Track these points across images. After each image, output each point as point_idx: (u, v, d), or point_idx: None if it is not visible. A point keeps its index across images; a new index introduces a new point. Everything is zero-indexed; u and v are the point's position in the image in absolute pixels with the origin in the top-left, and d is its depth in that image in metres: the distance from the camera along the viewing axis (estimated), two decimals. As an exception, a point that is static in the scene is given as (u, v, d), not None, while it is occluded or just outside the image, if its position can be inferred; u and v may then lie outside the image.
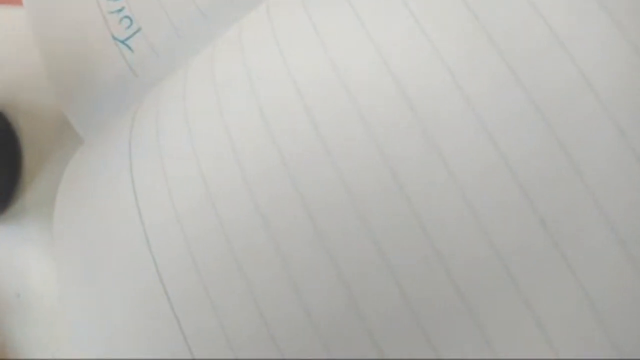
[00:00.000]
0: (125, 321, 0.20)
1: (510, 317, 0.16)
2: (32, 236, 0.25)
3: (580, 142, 0.16)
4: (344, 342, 0.17)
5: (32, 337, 0.26)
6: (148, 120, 0.21)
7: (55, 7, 0.28)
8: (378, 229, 0.17)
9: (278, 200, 0.18)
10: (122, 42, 0.26)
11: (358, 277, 0.17)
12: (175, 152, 0.20)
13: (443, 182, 0.17)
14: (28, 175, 0.26)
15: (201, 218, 0.19)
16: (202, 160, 0.20)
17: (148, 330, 0.19)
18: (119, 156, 0.21)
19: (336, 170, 0.18)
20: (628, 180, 0.15)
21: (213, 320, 0.18)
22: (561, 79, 0.16)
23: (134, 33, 0.26)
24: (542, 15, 0.17)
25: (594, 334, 0.15)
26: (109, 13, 0.27)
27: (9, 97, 0.28)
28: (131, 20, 0.26)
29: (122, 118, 0.23)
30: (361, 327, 0.17)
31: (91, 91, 0.26)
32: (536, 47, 0.17)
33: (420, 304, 0.16)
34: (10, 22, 0.29)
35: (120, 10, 0.27)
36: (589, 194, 0.16)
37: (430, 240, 0.16)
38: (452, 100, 0.17)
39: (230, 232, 0.18)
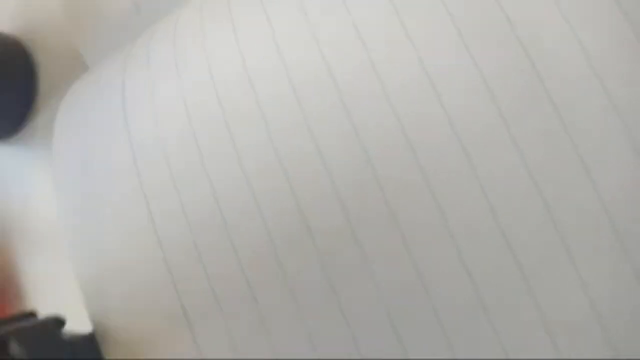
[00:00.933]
0: (113, 230, 0.21)
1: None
2: (39, 158, 0.28)
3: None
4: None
5: (35, 255, 0.28)
6: (141, 50, 0.23)
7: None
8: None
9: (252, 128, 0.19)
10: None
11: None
12: (163, 80, 0.22)
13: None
14: (41, 102, 0.29)
15: (184, 145, 0.21)
16: (185, 88, 0.21)
17: (132, 239, 0.21)
18: (113, 83, 0.23)
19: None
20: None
21: (188, 236, 0.20)
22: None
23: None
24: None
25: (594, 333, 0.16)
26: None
27: (31, 32, 0.30)
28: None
29: (121, 50, 0.25)
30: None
31: (100, 26, 0.28)
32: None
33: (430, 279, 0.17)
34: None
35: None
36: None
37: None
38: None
39: (207, 157, 0.20)
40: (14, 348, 0.19)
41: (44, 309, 0.24)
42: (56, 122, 0.24)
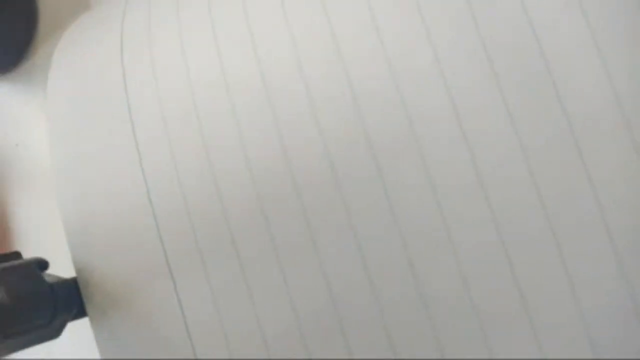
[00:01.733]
0: (102, 174, 0.21)
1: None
2: (36, 94, 0.27)
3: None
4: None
5: (26, 199, 0.28)
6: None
7: None
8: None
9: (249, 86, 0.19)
10: None
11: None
12: (162, 26, 0.21)
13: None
14: (41, 40, 0.28)
15: (180, 98, 0.20)
16: (186, 45, 0.20)
17: (120, 184, 0.20)
18: (113, 24, 0.22)
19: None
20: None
21: (177, 185, 0.19)
22: None
23: None
24: None
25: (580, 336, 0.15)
26: None
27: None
28: None
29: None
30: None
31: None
32: None
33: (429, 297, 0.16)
34: None
35: None
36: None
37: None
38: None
39: (202, 115, 0.19)
40: (-6, 286, 0.19)
41: (31, 254, 0.24)
42: (53, 59, 0.23)
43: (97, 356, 0.21)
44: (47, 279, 0.20)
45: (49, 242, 0.25)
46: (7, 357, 0.22)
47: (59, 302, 0.20)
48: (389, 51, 0.17)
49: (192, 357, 0.18)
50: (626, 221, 0.15)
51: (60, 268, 0.22)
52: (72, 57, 0.23)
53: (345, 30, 0.17)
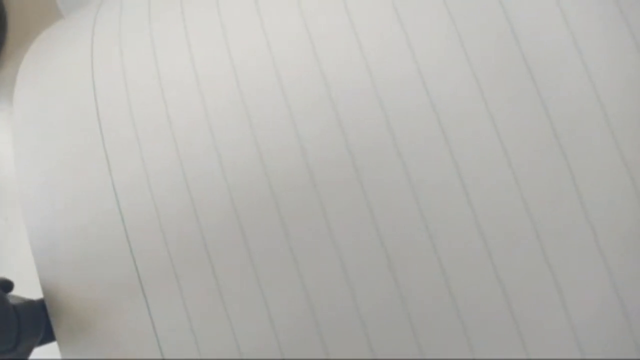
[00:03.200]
0: (70, 187, 0.20)
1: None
2: (3, 111, 0.26)
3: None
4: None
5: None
6: (115, 1, 0.21)
7: None
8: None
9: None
10: None
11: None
12: (133, 34, 0.20)
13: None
14: (9, 49, 0.27)
15: (150, 103, 0.19)
16: (158, 53, 0.19)
17: (89, 198, 0.19)
18: (83, 32, 0.21)
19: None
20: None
21: (148, 197, 0.18)
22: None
23: None
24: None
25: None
26: None
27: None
28: None
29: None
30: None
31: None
32: None
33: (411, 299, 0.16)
34: None
35: None
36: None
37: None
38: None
39: (175, 126, 0.18)
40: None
41: (-2, 273, 0.23)
42: (21, 68, 0.22)
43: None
44: (11, 300, 0.19)
45: (14, 262, 0.24)
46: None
47: (24, 325, 0.19)
48: (366, 52, 0.16)
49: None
50: (611, 222, 0.15)
51: (27, 289, 0.21)
52: (40, 68, 0.22)
53: (321, 31, 0.17)
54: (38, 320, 0.19)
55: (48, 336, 0.20)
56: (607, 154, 0.15)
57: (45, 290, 0.19)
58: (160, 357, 0.17)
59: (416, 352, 0.16)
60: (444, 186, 0.16)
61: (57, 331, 0.19)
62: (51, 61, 0.21)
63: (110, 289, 0.18)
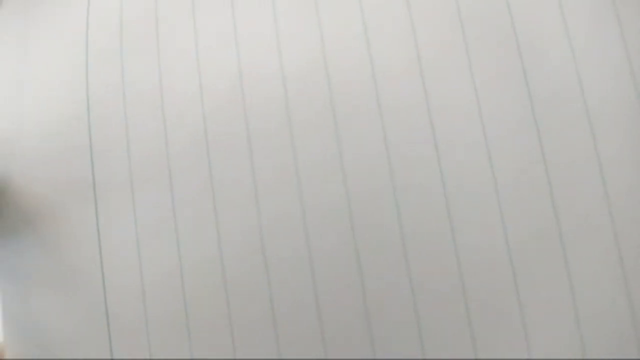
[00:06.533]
0: (41, 76, 0.19)
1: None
2: None
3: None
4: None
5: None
6: None
7: None
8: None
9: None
10: None
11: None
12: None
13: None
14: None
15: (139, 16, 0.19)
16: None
17: (59, 88, 0.19)
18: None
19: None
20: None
21: (119, 79, 0.18)
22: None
23: None
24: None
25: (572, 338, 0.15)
26: None
27: None
28: None
29: None
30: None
31: None
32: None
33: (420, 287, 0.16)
34: None
35: None
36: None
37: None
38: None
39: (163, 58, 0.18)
40: None
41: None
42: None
43: None
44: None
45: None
46: None
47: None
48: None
49: (102, 293, 0.17)
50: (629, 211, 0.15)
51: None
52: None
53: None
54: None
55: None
56: (582, 138, 0.15)
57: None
58: (99, 264, 0.17)
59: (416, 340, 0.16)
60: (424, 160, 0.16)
61: (-2, 224, 0.19)
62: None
63: (62, 189, 0.17)
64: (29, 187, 0.18)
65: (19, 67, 0.20)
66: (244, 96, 0.17)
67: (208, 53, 0.17)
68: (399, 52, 0.16)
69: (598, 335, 0.15)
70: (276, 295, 0.16)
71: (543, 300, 0.15)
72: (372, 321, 0.15)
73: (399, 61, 0.16)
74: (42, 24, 0.20)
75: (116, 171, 0.17)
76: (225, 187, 0.16)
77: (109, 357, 0.17)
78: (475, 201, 0.15)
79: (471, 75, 0.16)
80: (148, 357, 0.16)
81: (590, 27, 0.16)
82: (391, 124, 0.16)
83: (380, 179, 0.16)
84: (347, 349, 0.15)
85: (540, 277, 0.15)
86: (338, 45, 0.16)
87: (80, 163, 0.17)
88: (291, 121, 0.16)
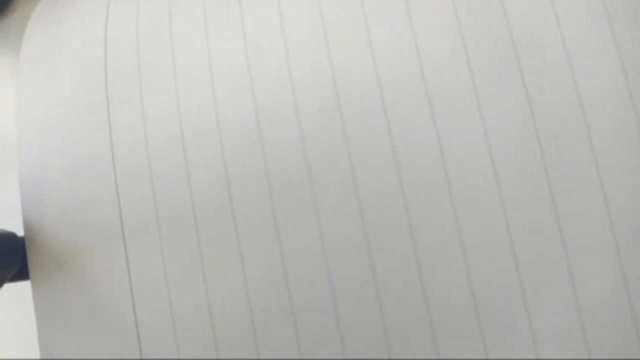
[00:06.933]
0: (67, 132, 0.20)
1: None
2: (8, 54, 0.26)
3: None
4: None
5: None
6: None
7: None
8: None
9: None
10: None
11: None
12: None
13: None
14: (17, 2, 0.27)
15: (160, 56, 0.20)
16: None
17: (85, 144, 0.20)
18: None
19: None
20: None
21: (142, 146, 0.19)
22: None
23: None
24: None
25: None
26: None
27: None
28: None
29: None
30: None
31: None
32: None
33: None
34: None
35: None
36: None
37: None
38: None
39: (180, 74, 0.19)
40: None
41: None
42: (36, 8, 0.23)
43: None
44: (-7, 232, 0.20)
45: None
46: None
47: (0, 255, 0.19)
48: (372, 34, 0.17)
49: (135, 333, 0.18)
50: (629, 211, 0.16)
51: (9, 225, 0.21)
52: (54, 10, 0.22)
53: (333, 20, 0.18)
54: (15, 254, 0.20)
55: (21, 273, 0.20)
56: (583, 151, 0.16)
57: (27, 227, 0.20)
58: (131, 306, 0.18)
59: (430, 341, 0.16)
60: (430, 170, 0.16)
61: (32, 269, 0.20)
62: (62, 14, 0.22)
63: (91, 234, 0.18)
64: (58, 232, 0.19)
65: (41, 110, 0.21)
66: (262, 135, 0.17)
67: (224, 90, 0.18)
68: (409, 91, 0.17)
69: (601, 336, 0.15)
70: (300, 327, 0.17)
71: (548, 305, 0.16)
72: (393, 348, 0.16)
73: (409, 100, 0.17)
74: (64, 68, 0.21)
75: (144, 212, 0.18)
76: (248, 224, 0.17)
77: None
78: (485, 232, 0.16)
79: (478, 105, 0.17)
80: None
81: (586, 36, 0.16)
82: (403, 158, 0.17)
83: (395, 210, 0.16)
84: None
85: (545, 285, 0.16)
86: (349, 83, 0.17)
87: (107, 205, 0.18)
88: (308, 159, 0.17)
